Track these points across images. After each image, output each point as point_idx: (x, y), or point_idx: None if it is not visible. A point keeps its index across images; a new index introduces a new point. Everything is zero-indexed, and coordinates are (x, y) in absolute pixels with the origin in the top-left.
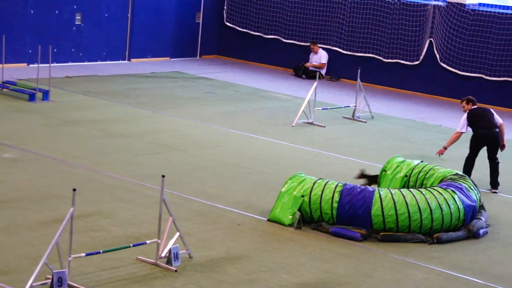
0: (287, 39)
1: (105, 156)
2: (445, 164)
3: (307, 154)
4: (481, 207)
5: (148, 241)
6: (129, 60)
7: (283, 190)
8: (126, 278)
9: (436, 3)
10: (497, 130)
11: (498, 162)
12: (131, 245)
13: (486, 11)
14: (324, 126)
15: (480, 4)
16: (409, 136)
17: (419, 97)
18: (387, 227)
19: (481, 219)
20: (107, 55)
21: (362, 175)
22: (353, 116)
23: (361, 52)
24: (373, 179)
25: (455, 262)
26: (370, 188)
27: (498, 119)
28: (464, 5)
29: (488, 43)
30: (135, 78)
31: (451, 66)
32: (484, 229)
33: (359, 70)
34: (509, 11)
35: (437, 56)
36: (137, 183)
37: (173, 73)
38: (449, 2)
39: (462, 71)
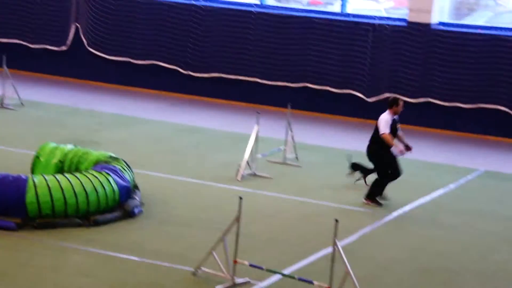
0: None
1: None
2: (99, 148)
3: None
4: (135, 187)
5: None
6: None
7: None
8: None
9: None
10: None
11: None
12: None
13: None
14: None
15: None
16: (61, 122)
17: (70, 83)
18: (43, 214)
19: (135, 199)
20: None
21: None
22: (1, 104)
23: (6, 38)
24: (367, 171)
25: (112, 242)
26: (23, 176)
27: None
28: None
29: (134, 25)
30: None
31: (99, 51)
32: (139, 208)
33: (4, 57)
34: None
35: (84, 41)
36: None
37: None
38: None
39: (110, 55)
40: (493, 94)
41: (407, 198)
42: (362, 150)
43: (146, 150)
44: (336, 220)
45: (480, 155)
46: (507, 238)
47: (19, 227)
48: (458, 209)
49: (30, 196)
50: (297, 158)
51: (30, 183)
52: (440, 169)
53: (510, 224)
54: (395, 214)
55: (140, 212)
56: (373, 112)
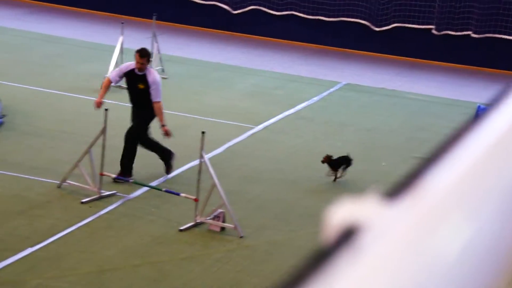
0: None
1: None
2: None
3: None
4: None
5: None
6: None
7: None
8: None
9: None
10: None
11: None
12: None
13: None
14: None
15: None
16: None
17: None
18: None
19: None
20: None
21: (328, 159)
22: None
23: None
24: (336, 163)
25: None
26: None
27: None
28: None
29: None
30: None
31: None
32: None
33: None
34: None
35: None
36: None
37: None
38: None
39: None
40: (353, 7)
41: (272, 111)
42: (225, 62)
43: (5, 60)
44: (203, 132)
45: (341, 68)
46: (368, 149)
47: None
48: (321, 121)
49: None
50: (163, 69)
51: None
52: (304, 82)
53: (371, 135)
54: (261, 126)
55: (1, 124)
56: (239, 25)
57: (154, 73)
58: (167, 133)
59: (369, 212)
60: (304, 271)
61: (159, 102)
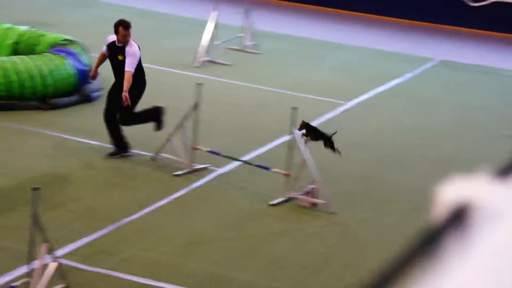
0: None
1: None
2: (55, 30)
3: None
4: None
5: None
6: None
7: None
8: None
9: None
10: None
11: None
12: None
13: None
14: None
15: None
16: (16, 1)
17: None
18: None
19: (94, 82)
20: None
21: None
22: None
23: None
24: (314, 133)
25: (71, 125)
26: None
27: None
28: None
29: None
30: None
31: None
32: (97, 92)
33: None
34: None
35: None
36: None
37: None
38: None
39: None
40: None
41: (365, 87)
42: (318, 38)
43: (102, 33)
44: (294, 108)
45: (436, 45)
46: (460, 126)
47: None
48: (414, 98)
49: None
50: (256, 45)
51: None
52: (397, 58)
53: (463, 112)
54: (353, 102)
55: (99, 96)
56: (332, 1)
57: (134, 45)
58: (125, 99)
59: (482, 191)
60: (412, 253)
61: (129, 71)
